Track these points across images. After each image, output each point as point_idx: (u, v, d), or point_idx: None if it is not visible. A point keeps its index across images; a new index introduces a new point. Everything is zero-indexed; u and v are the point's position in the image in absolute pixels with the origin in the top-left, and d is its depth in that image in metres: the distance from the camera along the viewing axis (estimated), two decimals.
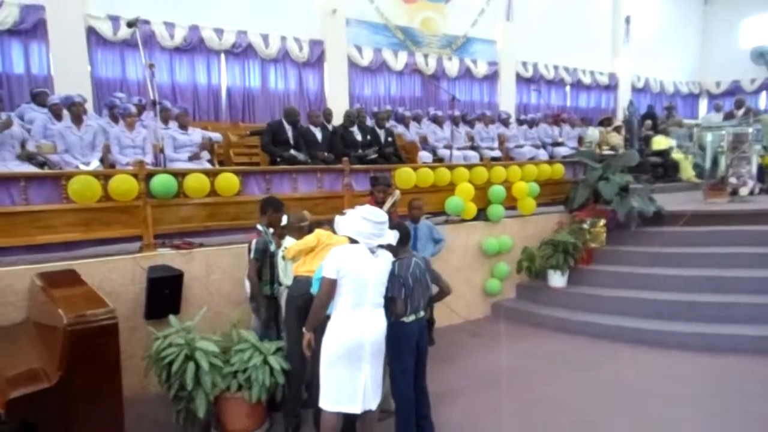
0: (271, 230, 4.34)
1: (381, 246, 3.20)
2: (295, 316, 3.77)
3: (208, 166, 6.31)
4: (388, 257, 3.27)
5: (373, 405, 3.14)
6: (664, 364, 5.03)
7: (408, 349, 3.46)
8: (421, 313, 3.54)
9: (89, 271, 4.26)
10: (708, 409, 4.14)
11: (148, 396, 4.31)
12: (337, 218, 3.42)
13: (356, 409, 3.07)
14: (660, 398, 4.35)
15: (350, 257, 3.10)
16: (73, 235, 4.56)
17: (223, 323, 4.55)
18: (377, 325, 3.15)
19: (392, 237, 3.25)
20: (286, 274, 4.18)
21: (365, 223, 3.13)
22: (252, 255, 4.13)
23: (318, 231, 4.05)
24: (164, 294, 4.44)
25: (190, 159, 6.14)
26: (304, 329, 3.27)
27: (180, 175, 4.99)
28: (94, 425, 2.96)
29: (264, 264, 4.19)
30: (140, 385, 4.21)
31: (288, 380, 3.84)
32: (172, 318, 3.90)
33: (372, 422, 3.33)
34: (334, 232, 4.04)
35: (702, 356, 5.13)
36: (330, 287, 3.09)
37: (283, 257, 4.19)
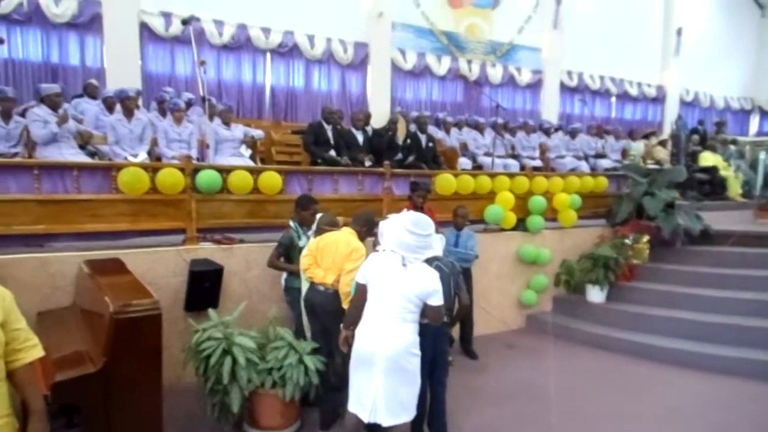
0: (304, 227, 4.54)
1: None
2: (308, 315, 3.95)
3: (249, 161, 6.38)
4: (420, 271, 2.98)
5: (383, 420, 2.92)
6: (708, 389, 4.85)
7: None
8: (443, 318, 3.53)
9: (134, 260, 4.35)
10: None
11: (183, 387, 4.35)
12: (381, 225, 3.32)
13: (363, 416, 2.96)
14: (702, 423, 4.19)
15: (376, 265, 3.04)
16: (121, 225, 4.69)
17: (259, 319, 4.58)
18: (397, 339, 2.92)
19: (439, 247, 3.16)
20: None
21: (410, 237, 2.94)
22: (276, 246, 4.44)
23: (318, 240, 4.02)
24: (204, 287, 4.51)
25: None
26: (341, 326, 3.29)
27: (225, 171, 5.08)
28: (135, 411, 3.02)
29: (293, 257, 4.40)
30: (176, 375, 4.24)
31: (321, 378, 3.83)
32: (211, 312, 3.95)
33: None
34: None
35: (749, 383, 4.93)
36: (360, 292, 3.12)
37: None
